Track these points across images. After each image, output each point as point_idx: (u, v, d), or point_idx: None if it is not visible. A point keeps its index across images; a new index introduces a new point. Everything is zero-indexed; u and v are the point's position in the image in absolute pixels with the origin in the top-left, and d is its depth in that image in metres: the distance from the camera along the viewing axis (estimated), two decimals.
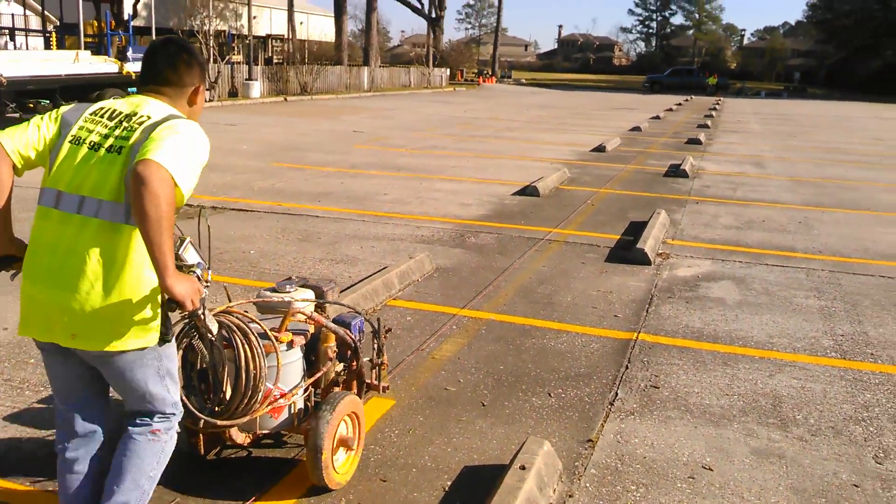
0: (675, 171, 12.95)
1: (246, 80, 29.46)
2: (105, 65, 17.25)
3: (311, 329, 3.27)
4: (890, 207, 10.69)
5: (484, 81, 58.11)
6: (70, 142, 2.39)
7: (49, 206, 2.37)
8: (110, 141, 2.34)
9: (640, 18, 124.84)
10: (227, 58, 29.78)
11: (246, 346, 2.86)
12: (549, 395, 4.22)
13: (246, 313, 2.99)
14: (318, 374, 3.27)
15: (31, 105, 15.02)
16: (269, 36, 48.60)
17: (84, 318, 2.30)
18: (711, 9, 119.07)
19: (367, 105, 29.66)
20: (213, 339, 2.71)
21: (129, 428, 2.55)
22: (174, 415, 2.59)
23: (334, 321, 3.42)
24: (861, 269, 7.22)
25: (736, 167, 14.51)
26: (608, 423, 3.92)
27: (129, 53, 25.94)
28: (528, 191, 10.50)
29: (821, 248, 8.01)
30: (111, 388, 2.59)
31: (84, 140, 2.37)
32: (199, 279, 2.40)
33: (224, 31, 43.44)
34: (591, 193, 10.86)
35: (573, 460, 3.54)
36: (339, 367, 3.42)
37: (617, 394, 4.27)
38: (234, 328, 2.88)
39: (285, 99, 29.74)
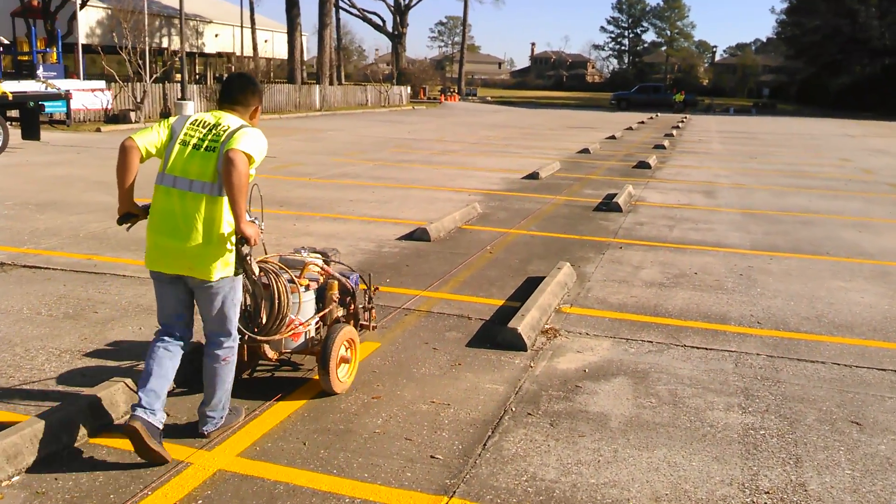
0: (608, 205, 11.12)
1: (178, 99, 27.35)
2: None
3: (321, 280, 4.53)
4: (852, 250, 8.89)
5: (447, 99, 56.39)
6: (180, 143, 3.68)
7: (168, 185, 3.65)
8: (206, 143, 3.66)
9: (612, 35, 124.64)
10: (160, 73, 27.67)
11: (278, 284, 4.18)
12: None
13: (278, 263, 4.37)
14: (325, 311, 4.48)
15: None
16: (219, 53, 46.66)
17: (196, 256, 3.60)
18: (683, 25, 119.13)
19: (309, 125, 27.73)
20: (255, 278, 4.03)
21: (210, 357, 3.83)
22: (235, 339, 3.87)
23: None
24: (809, 350, 5.40)
25: (683, 197, 12.73)
26: None
27: (40, 71, 24.02)
28: (417, 234, 8.61)
29: (761, 315, 6.18)
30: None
31: (189, 142, 3.68)
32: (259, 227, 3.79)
33: (167, 49, 41.47)
34: (498, 235, 9.00)
35: None
36: (341, 311, 4.63)
37: None
38: (271, 271, 4.22)
39: None
